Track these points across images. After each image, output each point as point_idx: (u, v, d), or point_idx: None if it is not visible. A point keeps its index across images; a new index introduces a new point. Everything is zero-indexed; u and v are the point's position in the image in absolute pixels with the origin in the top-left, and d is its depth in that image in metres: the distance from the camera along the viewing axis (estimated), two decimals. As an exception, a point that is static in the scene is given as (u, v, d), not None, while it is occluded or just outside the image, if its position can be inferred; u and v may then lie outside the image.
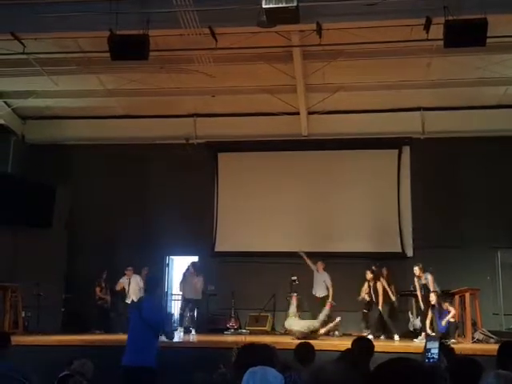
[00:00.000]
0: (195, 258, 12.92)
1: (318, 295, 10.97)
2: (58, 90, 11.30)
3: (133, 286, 11.18)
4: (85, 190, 12.63)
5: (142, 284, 10.92)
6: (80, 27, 8.29)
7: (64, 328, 11.21)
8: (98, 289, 11.57)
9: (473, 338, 9.17)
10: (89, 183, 12.69)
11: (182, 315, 11.59)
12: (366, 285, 10.49)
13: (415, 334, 10.01)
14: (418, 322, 10.23)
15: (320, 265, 11.05)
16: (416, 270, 9.71)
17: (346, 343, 7.46)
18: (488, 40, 7.26)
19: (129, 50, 7.84)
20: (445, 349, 3.49)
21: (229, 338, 10.27)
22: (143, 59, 7.95)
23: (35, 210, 11.56)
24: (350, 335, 10.22)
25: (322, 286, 10.92)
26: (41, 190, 11.84)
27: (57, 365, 5.01)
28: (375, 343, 4.38)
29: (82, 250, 12.34)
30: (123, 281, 11.33)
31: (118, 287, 11.38)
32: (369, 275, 10.42)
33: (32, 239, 11.25)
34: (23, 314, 10.65)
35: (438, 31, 7.57)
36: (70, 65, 10.31)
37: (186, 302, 11.56)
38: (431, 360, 3.15)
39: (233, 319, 11.54)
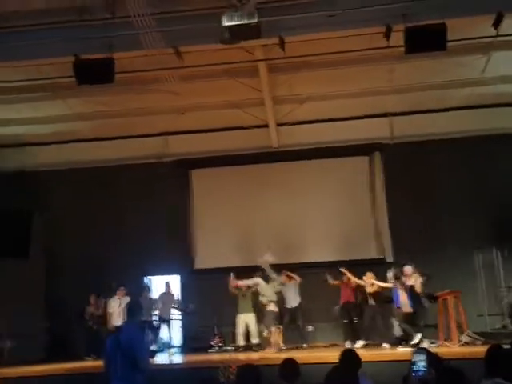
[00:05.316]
0: (176, 278, 12.76)
1: (293, 306, 10.83)
2: (23, 117, 11.13)
3: (123, 309, 10.31)
4: (60, 216, 12.49)
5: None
6: (44, 54, 8.22)
7: (50, 358, 10.63)
8: (90, 308, 11.03)
9: (459, 340, 9.13)
10: (63, 208, 12.56)
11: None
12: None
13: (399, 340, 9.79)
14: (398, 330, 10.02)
15: (286, 276, 10.87)
16: (409, 268, 9.41)
17: (328, 354, 7.51)
18: (449, 44, 7.39)
19: (94, 73, 7.84)
20: (431, 357, 3.48)
21: (214, 356, 10.14)
22: (109, 82, 7.91)
23: (10, 240, 11.27)
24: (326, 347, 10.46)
25: (295, 294, 10.82)
26: (15, 219, 11.56)
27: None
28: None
29: (61, 276, 12.16)
30: (114, 302, 10.74)
31: (111, 308, 10.70)
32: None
33: (9, 270, 10.92)
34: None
35: (399, 37, 7.68)
36: (35, 91, 10.16)
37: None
38: (419, 373, 3.09)
39: (217, 337, 11.41)
